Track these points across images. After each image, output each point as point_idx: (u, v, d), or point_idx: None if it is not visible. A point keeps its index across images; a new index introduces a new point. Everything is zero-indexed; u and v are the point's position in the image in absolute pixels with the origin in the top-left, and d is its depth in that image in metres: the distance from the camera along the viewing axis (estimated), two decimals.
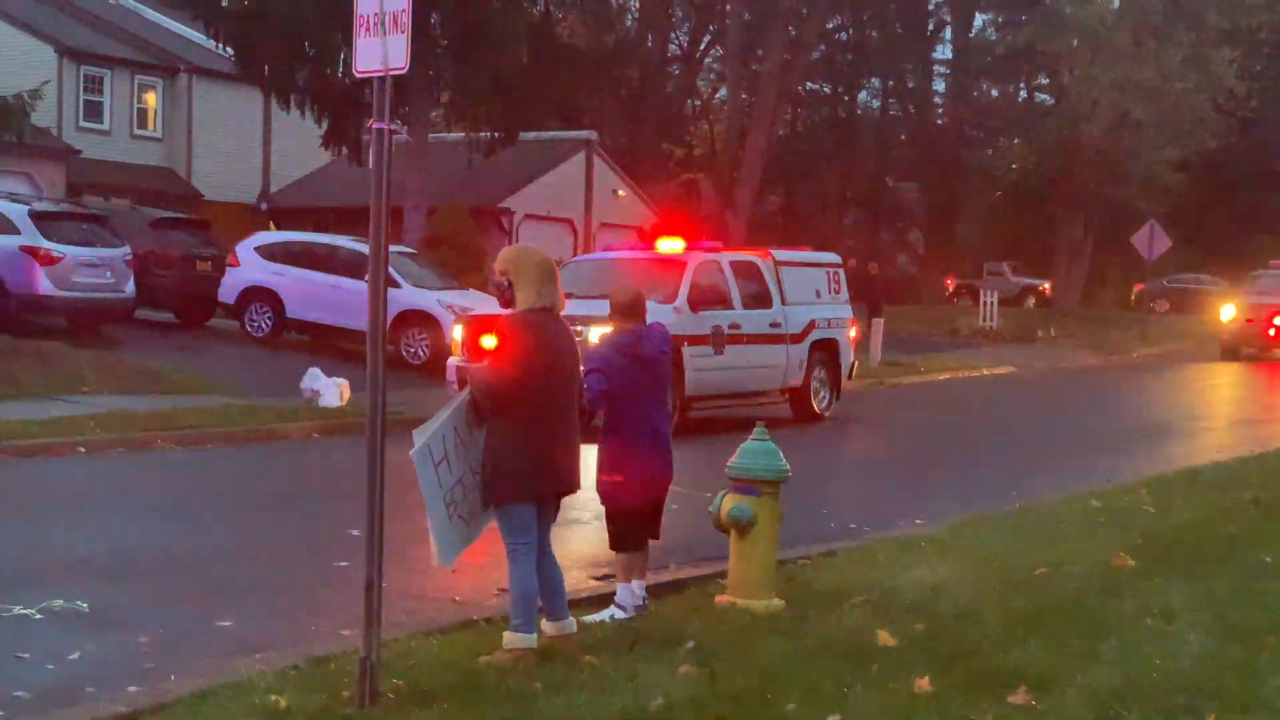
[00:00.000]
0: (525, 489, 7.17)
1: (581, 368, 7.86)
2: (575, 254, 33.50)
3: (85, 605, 8.62)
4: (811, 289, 21.37)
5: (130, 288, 23.82)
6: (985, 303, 43.23)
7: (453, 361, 18.91)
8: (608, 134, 46.71)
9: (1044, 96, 58.61)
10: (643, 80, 53.62)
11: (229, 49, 31.36)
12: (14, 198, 24.61)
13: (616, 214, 39.69)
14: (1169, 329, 44.63)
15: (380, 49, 6.40)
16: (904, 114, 64.17)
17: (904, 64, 61.10)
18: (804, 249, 23.93)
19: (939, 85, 62.93)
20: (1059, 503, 12.58)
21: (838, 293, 22.03)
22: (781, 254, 21.52)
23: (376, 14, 6.42)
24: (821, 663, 7.09)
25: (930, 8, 61.44)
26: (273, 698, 6.54)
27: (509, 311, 7.27)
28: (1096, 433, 20.71)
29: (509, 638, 7.19)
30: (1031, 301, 55.57)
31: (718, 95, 62.82)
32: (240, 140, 40.54)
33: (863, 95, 65.47)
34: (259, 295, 25.87)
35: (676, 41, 60.21)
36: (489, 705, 6.48)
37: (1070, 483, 14.12)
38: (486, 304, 21.22)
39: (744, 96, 53.64)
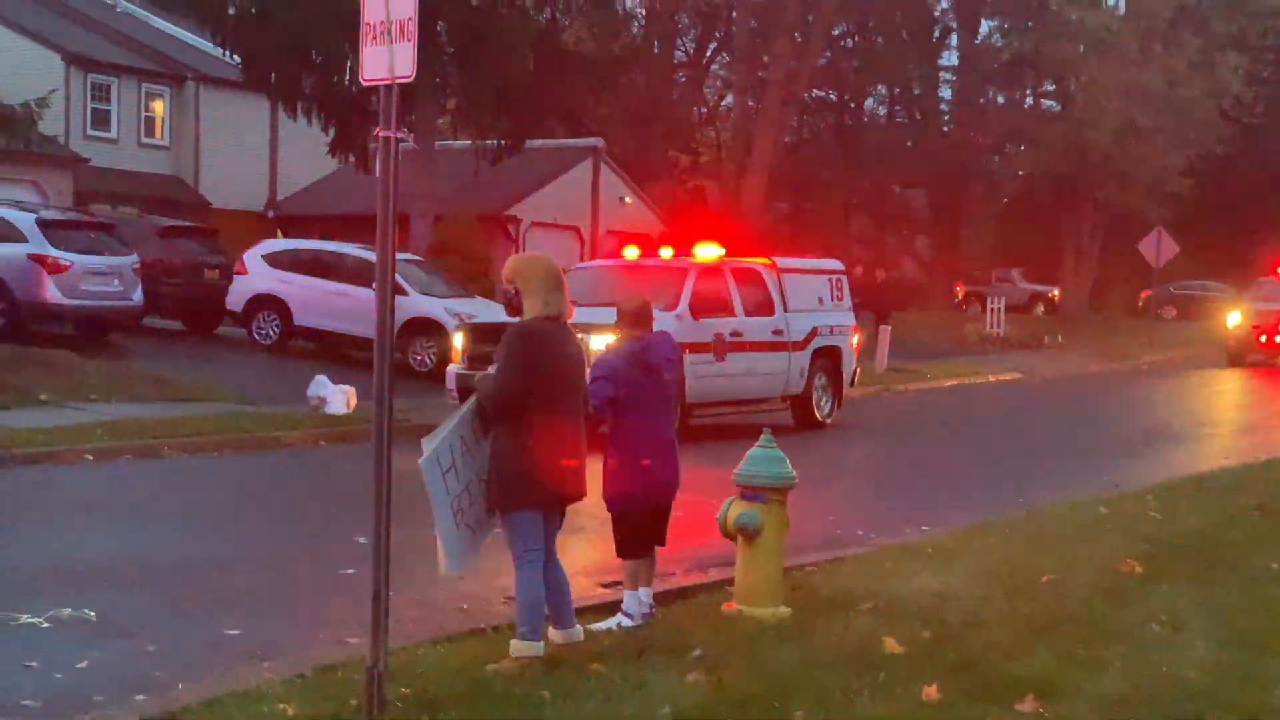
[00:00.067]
0: (532, 497, 7.18)
1: (588, 375, 7.86)
2: (582, 261, 33.48)
3: (93, 614, 8.63)
4: (814, 296, 21.31)
5: (138, 296, 23.86)
6: (992, 309, 43.21)
7: (453, 369, 18.83)
8: (614, 141, 46.71)
9: (1050, 103, 58.57)
10: (649, 88, 53.60)
11: (236, 57, 31.38)
12: (22, 206, 24.67)
13: (623, 221, 39.68)
14: (1175, 335, 44.58)
15: (387, 57, 6.41)
16: (910, 121, 64.15)
17: (910, 71, 61.09)
18: (807, 255, 23.88)
19: (945, 92, 62.92)
20: (1066, 509, 12.57)
21: (840, 300, 21.96)
22: (784, 261, 21.46)
23: (383, 22, 6.43)
24: (829, 670, 7.09)
25: (936, 14, 61.44)
26: (280, 706, 6.54)
27: (516, 320, 7.28)
28: (1102, 439, 20.69)
29: (516, 646, 7.19)
30: (1040, 308, 55.54)
31: (724, 102, 62.85)
32: (247, 148, 40.59)
33: (869, 102, 65.48)
34: (266, 303, 25.90)
35: (683, 49, 60.25)
36: (497, 713, 6.48)
37: (1077, 489, 14.10)
38: (493, 312, 21.24)
39: (750, 104, 53.61)
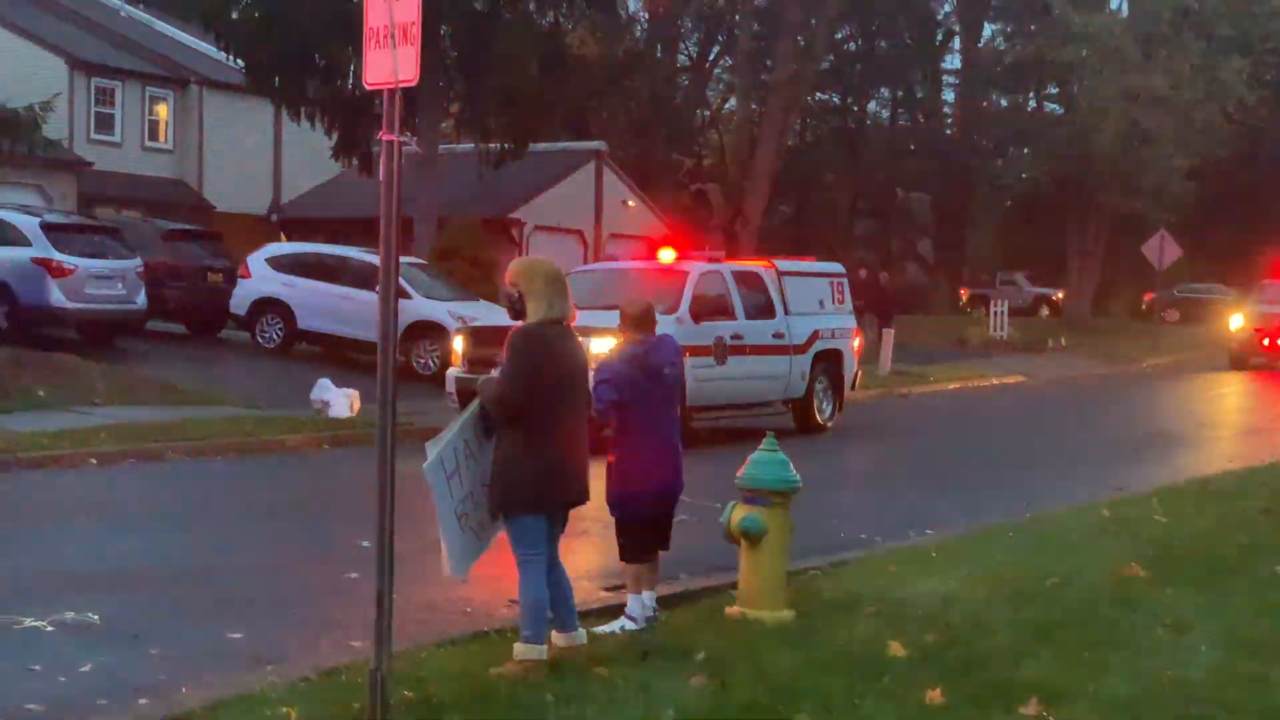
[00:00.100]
0: (535, 500, 7.17)
1: (591, 378, 7.86)
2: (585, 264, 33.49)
3: (96, 617, 8.64)
4: (815, 299, 21.23)
5: (142, 299, 23.88)
6: (995, 312, 43.19)
7: (452, 372, 18.75)
8: (617, 145, 46.73)
9: (1053, 106, 58.58)
10: (652, 91, 53.63)
11: (240, 61, 31.43)
12: (26, 210, 24.71)
13: (626, 224, 39.69)
14: (1179, 338, 44.57)
15: (390, 61, 6.41)
16: (913, 124, 64.19)
17: (913, 74, 61.14)
18: (809, 259, 23.83)
19: (948, 95, 62.99)
20: (1069, 513, 12.57)
21: (841, 303, 21.87)
22: (785, 264, 21.40)
23: (386, 26, 6.43)
24: (833, 674, 7.09)
25: (939, 18, 61.48)
26: (284, 710, 6.54)
27: (519, 323, 7.28)
28: (1106, 442, 20.68)
29: (519, 649, 7.19)
30: (1045, 311, 55.52)
31: (727, 105, 62.88)
32: (251, 152, 40.62)
33: (872, 105, 65.51)
34: (270, 306, 25.93)
35: (686, 52, 60.28)
36: (500, 717, 6.48)
37: (1080, 493, 14.10)
38: (496, 315, 21.20)
39: (753, 107, 53.65)
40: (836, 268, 23.02)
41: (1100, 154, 45.77)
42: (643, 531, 8.47)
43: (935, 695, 6.66)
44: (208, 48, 36.89)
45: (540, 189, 38.09)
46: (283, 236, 35.63)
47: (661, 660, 7.40)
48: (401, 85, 6.42)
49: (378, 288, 6.55)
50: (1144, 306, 52.98)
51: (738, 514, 8.44)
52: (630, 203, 40.99)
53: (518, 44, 29.57)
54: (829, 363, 21.12)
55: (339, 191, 39.06)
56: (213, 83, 39.66)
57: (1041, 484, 15.64)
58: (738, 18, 53.12)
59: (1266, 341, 34.63)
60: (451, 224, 31.98)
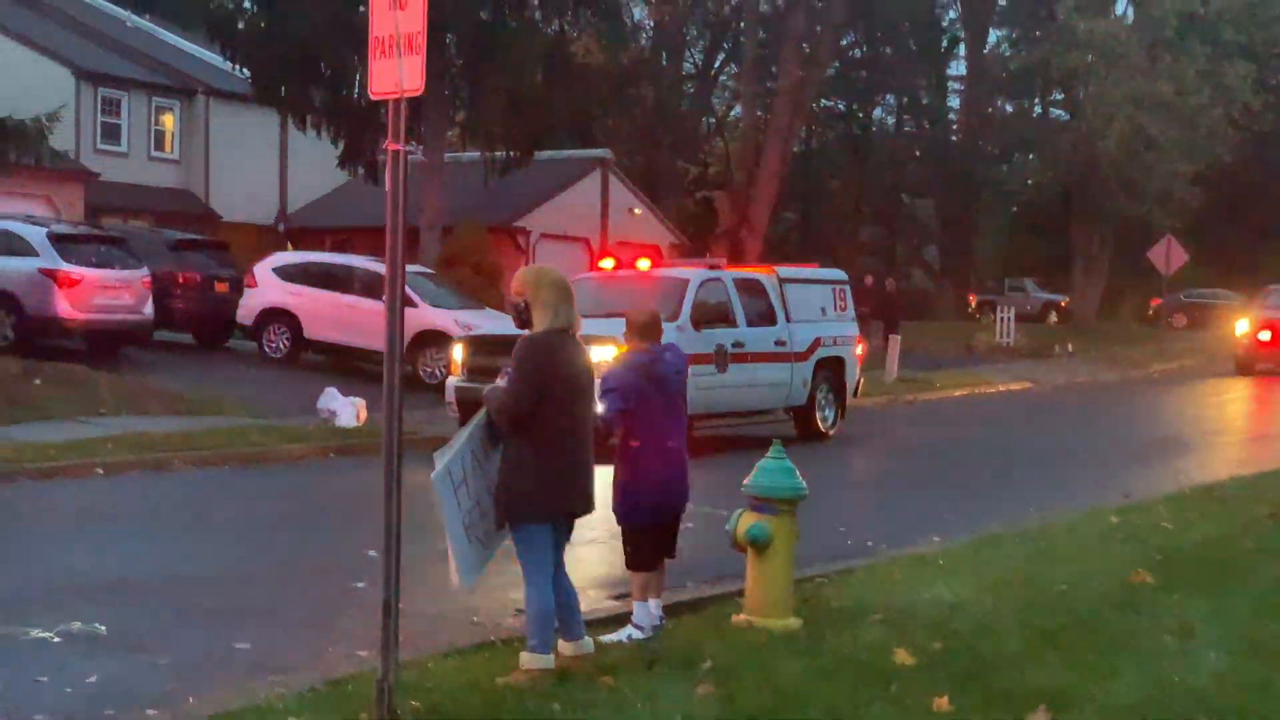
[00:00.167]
0: (541, 509, 7.17)
1: (598, 387, 7.86)
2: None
3: (103, 628, 8.64)
4: (817, 306, 21.14)
5: (149, 309, 23.91)
6: (1001, 318, 43.16)
7: (452, 381, 18.62)
8: (623, 152, 46.78)
9: (1059, 112, 58.59)
10: (658, 99, 53.70)
11: (245, 71, 31.50)
12: (33, 220, 24.74)
13: (632, 232, 39.72)
14: (1186, 344, 44.51)
15: (395, 71, 6.42)
16: (919, 130, 64.19)
17: (918, 80, 61.15)
18: (811, 265, 23.79)
19: (953, 101, 62.96)
20: (1076, 519, 12.54)
21: (844, 310, 21.79)
22: (786, 271, 21.33)
23: (391, 36, 6.44)
24: (839, 682, 7.08)
25: (944, 24, 61.51)
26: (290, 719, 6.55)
27: (525, 332, 7.28)
28: (1113, 448, 20.65)
29: (526, 658, 7.19)
30: (1053, 317, 55.47)
31: (733, 113, 62.90)
32: (257, 161, 40.68)
33: (877, 112, 65.54)
34: (277, 316, 25.96)
35: (691, 60, 60.33)
36: None
37: (1087, 498, 14.07)
38: (502, 323, 21.20)
39: (759, 114, 53.69)
40: (838, 274, 22.93)
41: (1106, 159, 45.76)
42: (649, 540, 8.47)
43: (942, 703, 6.65)
44: (214, 57, 36.97)
45: (546, 197, 38.13)
46: (289, 246, 35.69)
47: (668, 669, 7.39)
48: (407, 95, 6.43)
49: (384, 297, 6.56)
50: (1150, 312, 52.92)
51: (744, 522, 8.43)
52: (636, 210, 41.01)
53: (523, 52, 29.64)
54: (831, 370, 21.03)
55: (345, 200, 39.11)
56: (219, 92, 39.73)
57: (1048, 490, 15.62)
58: (743, 25, 53.13)
59: (1267, 335, 34.41)
60: (457, 232, 32.02)
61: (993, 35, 60.11)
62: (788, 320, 20.27)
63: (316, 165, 37.94)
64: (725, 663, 7.45)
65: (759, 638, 8.07)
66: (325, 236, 38.04)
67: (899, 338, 31.60)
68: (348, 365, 25.34)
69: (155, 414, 19.47)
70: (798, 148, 56.57)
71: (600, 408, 8.14)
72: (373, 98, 6.66)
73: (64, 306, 22.49)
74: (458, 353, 18.95)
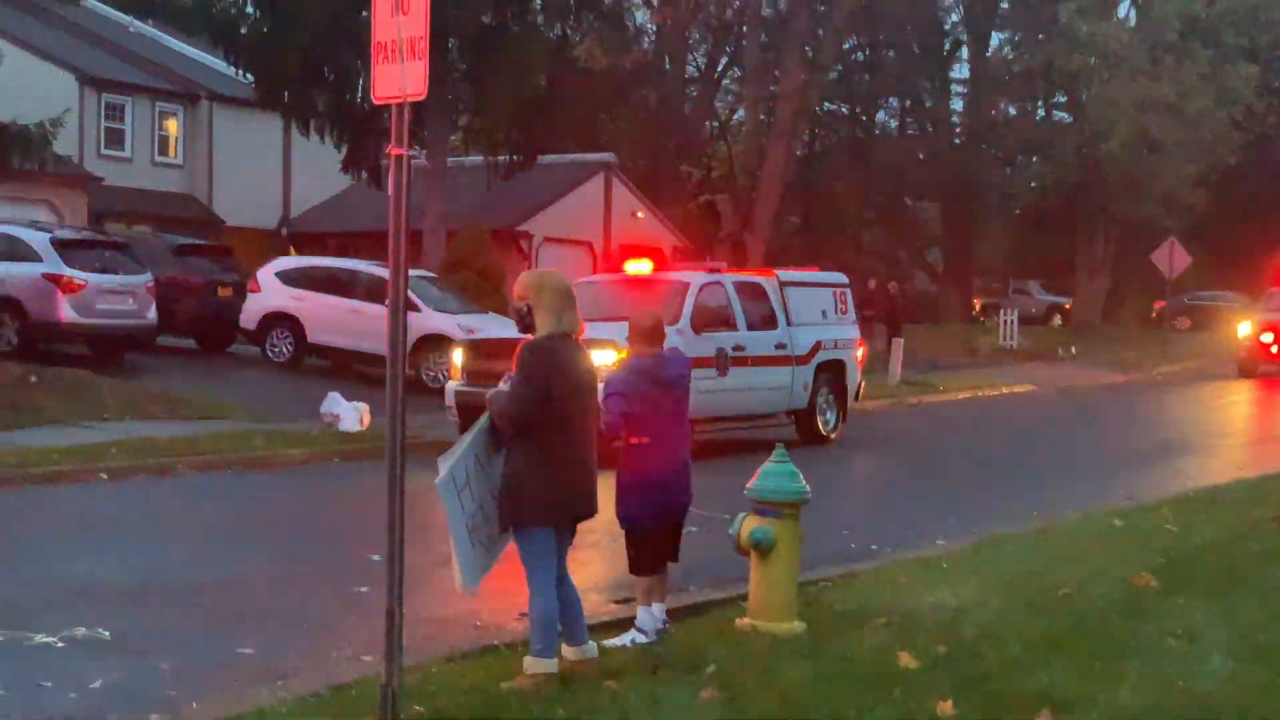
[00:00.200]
0: (544, 513, 7.17)
1: (601, 391, 7.86)
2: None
3: (107, 633, 8.65)
4: (818, 309, 21.07)
5: (152, 314, 23.92)
6: (1004, 321, 43.12)
7: (451, 386, 18.55)
8: (626, 156, 46.76)
9: (1062, 115, 58.56)
10: (660, 102, 53.66)
11: (249, 76, 31.52)
12: (36, 225, 24.77)
13: (636, 236, 39.71)
14: (1189, 346, 44.48)
15: (398, 75, 6.43)
16: (922, 133, 64.15)
17: (921, 84, 61.13)
18: (812, 269, 23.77)
19: (956, 104, 62.90)
20: (1080, 522, 12.54)
21: (845, 313, 21.71)
22: (786, 274, 21.28)
23: (394, 41, 6.44)
24: (843, 686, 7.07)
25: (947, 27, 61.48)
26: None
27: (528, 336, 7.28)
28: (1116, 450, 20.64)
29: (530, 663, 7.19)
30: (1058, 319, 55.42)
31: (735, 116, 62.90)
32: (261, 166, 40.69)
33: (880, 115, 65.49)
34: (280, 320, 25.96)
35: (694, 63, 60.29)
36: None
37: (1091, 501, 14.08)
38: (504, 328, 21.20)
39: (762, 117, 53.68)
40: (839, 278, 22.86)
41: (1109, 162, 45.75)
42: (652, 543, 8.47)
43: (946, 707, 6.64)
44: (217, 63, 36.99)
45: (549, 201, 38.13)
46: (292, 250, 35.69)
47: (672, 673, 7.39)
48: (410, 100, 6.44)
49: (387, 301, 6.56)
50: (1154, 314, 52.89)
51: (748, 526, 8.43)
52: (640, 214, 41.00)
53: (526, 56, 29.62)
54: (832, 373, 20.96)
55: (348, 205, 39.12)
56: (222, 97, 39.75)
57: (1052, 493, 15.61)
58: (745, 29, 53.12)
59: (1276, 349, 34.45)
60: (461, 236, 32.02)
61: (995, 38, 60.06)
62: (788, 324, 20.23)
63: (319, 170, 37.95)
64: (729, 667, 7.44)
65: (763, 642, 8.07)
66: (328, 241, 38.03)
67: (902, 341, 31.59)
68: (351, 370, 25.34)
69: (159, 419, 19.48)
70: (801, 151, 56.54)
71: (604, 411, 8.15)
72: (376, 102, 6.66)
73: (67, 311, 22.50)
74: (457, 357, 18.89)
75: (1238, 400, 30.78)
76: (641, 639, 8.32)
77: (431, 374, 24.41)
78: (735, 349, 19.00)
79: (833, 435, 20.91)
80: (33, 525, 13.09)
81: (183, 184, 40.06)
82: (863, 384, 22.45)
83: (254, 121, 38.34)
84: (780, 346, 19.96)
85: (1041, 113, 60.87)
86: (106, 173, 36.52)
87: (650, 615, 8.45)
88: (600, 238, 39.22)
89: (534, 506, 7.13)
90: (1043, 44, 49.95)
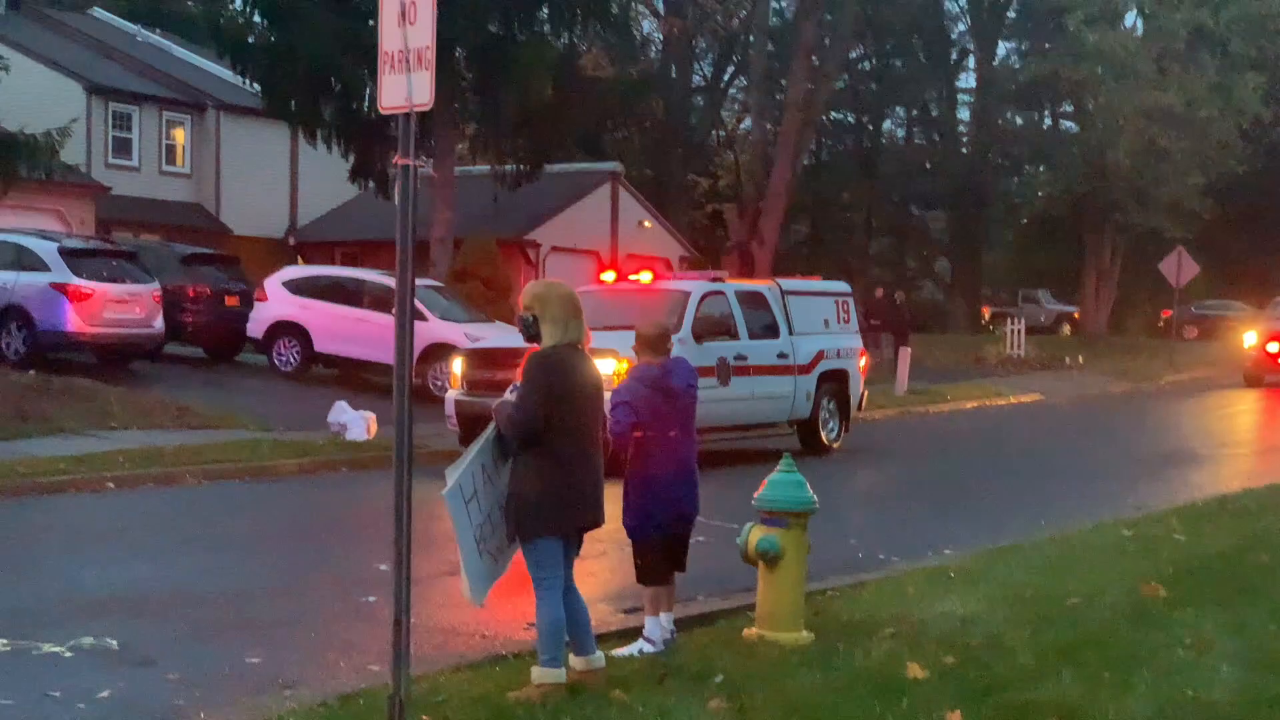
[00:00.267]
0: (551, 523, 7.16)
1: (607, 401, 7.85)
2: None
3: (115, 643, 8.64)
4: (820, 318, 20.99)
5: (159, 323, 23.96)
6: (1012, 330, 43.09)
7: (452, 395, 18.48)
8: (633, 166, 46.84)
9: (1069, 124, 58.58)
10: (667, 112, 53.78)
11: (256, 85, 31.57)
12: (44, 235, 24.81)
13: (642, 245, 39.74)
14: (1197, 355, 44.41)
15: (405, 85, 6.43)
16: (928, 142, 64.22)
17: (928, 93, 61.21)
18: (814, 278, 23.69)
19: (963, 113, 62.99)
20: (1089, 532, 12.51)
21: (847, 322, 21.64)
22: (788, 283, 21.22)
23: (401, 51, 6.45)
24: (851, 696, 7.06)
25: (953, 37, 61.56)
26: None
27: (532, 347, 7.28)
28: (1124, 460, 20.59)
29: (538, 673, 7.18)
30: (1066, 328, 55.39)
31: (742, 125, 62.97)
32: (268, 175, 40.76)
33: (887, 124, 65.59)
34: (287, 329, 26.00)
35: (700, 73, 60.42)
36: None
37: (1099, 511, 14.04)
38: (510, 337, 21.17)
39: (768, 126, 53.72)
40: (841, 287, 22.80)
41: (1116, 171, 45.73)
42: (660, 553, 8.46)
43: (955, 717, 6.63)
44: (224, 72, 37.05)
45: (556, 210, 38.17)
46: (299, 259, 35.72)
47: (680, 683, 7.38)
48: (416, 109, 6.44)
49: (394, 310, 6.56)
50: (1161, 324, 52.84)
51: (755, 535, 8.42)
52: (646, 223, 41.04)
53: (533, 65, 29.64)
54: (835, 383, 20.88)
55: (355, 214, 39.19)
56: (229, 107, 39.84)
57: (1060, 503, 15.58)
58: (752, 38, 53.20)
59: (1276, 348, 34.28)
60: (467, 245, 32.04)
61: (1002, 47, 60.19)
62: (790, 333, 20.17)
63: (327, 179, 38.03)
64: (737, 677, 7.43)
65: (770, 651, 8.05)
66: (335, 250, 38.12)
67: (909, 350, 31.57)
68: (358, 378, 25.36)
69: (166, 427, 19.50)
70: (808, 160, 56.59)
71: (611, 421, 8.15)
72: (382, 112, 6.67)
73: (75, 320, 22.54)
74: (457, 366, 18.80)
75: (1244, 409, 30.72)
76: (649, 649, 8.30)
77: (439, 383, 24.38)
78: (737, 358, 18.94)
79: (835, 445, 20.85)
80: (40, 534, 13.10)
81: (190, 193, 40.12)
82: (865, 393, 22.39)
83: (261, 131, 38.44)
84: (782, 356, 19.90)
85: (1048, 122, 60.94)
86: (114, 182, 36.61)
87: (658, 625, 8.44)
88: (607, 247, 39.24)
89: (541, 516, 7.12)
90: (1049, 53, 49.96)
